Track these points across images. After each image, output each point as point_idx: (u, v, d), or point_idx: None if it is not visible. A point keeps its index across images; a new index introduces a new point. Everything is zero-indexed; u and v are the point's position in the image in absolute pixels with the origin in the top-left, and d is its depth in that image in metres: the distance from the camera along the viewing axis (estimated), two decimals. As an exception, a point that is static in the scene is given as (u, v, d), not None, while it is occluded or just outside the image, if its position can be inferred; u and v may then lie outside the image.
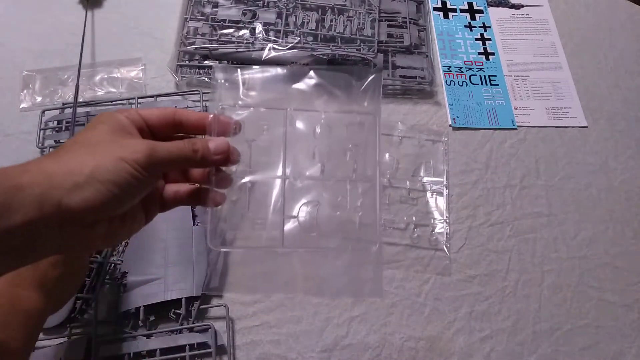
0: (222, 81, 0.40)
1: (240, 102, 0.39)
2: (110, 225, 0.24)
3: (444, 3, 0.66)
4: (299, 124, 0.41)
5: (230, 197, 0.38)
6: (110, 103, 0.54)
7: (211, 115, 0.28)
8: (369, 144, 0.42)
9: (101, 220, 0.23)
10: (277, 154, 0.39)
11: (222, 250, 0.38)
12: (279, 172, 0.39)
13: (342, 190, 0.41)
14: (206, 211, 0.39)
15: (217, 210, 0.34)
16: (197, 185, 0.30)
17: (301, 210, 0.39)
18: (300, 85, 0.43)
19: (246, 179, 0.38)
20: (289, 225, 0.39)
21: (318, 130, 0.42)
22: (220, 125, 0.29)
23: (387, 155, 0.50)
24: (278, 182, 0.39)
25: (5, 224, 0.19)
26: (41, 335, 0.40)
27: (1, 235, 0.19)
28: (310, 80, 0.44)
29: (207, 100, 0.54)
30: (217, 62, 0.55)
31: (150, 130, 0.27)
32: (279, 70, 0.43)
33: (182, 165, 0.27)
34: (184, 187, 0.30)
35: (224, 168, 0.30)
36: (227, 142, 0.28)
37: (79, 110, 0.51)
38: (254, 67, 0.42)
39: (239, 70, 0.42)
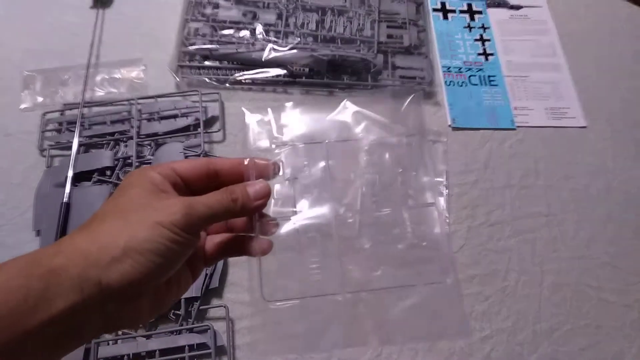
0: (254, 124, 0.37)
1: (275, 142, 0.37)
2: (156, 295, 0.22)
3: (443, 4, 0.66)
4: (341, 156, 0.39)
5: (278, 243, 0.35)
6: (110, 103, 0.54)
7: (247, 160, 0.27)
8: (419, 165, 0.40)
9: (145, 292, 0.22)
10: (323, 191, 0.36)
11: (278, 304, 0.33)
12: (327, 209, 0.35)
13: (400, 220, 0.37)
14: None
15: (266, 259, 0.30)
16: (241, 234, 0.28)
17: (358, 248, 0.35)
18: (337, 116, 0.41)
19: (293, 222, 0.34)
20: (348, 266, 0.35)
21: (363, 158, 0.39)
22: (258, 168, 0.27)
23: (386, 155, 0.49)
24: (328, 221, 0.35)
25: (45, 314, 0.18)
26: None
27: (42, 326, 0.18)
28: (345, 109, 0.41)
29: (206, 101, 0.54)
30: (218, 61, 0.56)
31: (185, 184, 0.25)
32: (312, 102, 0.42)
33: (223, 217, 0.25)
34: (227, 238, 0.27)
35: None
36: (268, 185, 0.26)
37: (77, 111, 0.51)
38: (285, 104, 0.40)
39: (269, 109, 0.38)
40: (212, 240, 0.27)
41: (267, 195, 0.25)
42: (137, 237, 0.20)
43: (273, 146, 0.36)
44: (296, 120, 0.39)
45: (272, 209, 0.32)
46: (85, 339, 0.21)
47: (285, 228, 0.33)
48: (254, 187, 0.25)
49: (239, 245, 0.27)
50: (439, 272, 0.36)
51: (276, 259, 0.33)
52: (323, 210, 0.35)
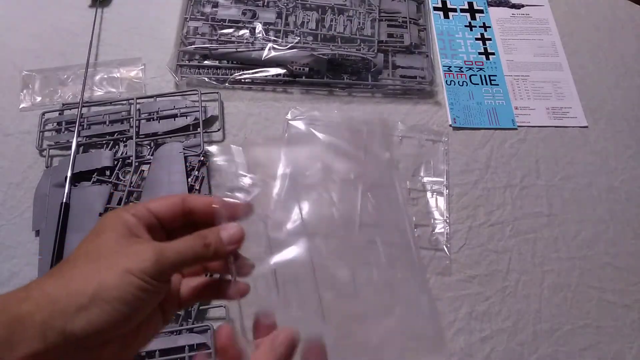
0: (223, 162, 0.37)
1: (246, 180, 0.36)
2: (124, 341, 0.22)
3: (444, 3, 0.66)
4: (311, 189, 0.37)
5: (255, 284, 0.34)
6: (109, 103, 0.54)
7: (216, 200, 0.25)
8: (389, 189, 0.39)
9: (112, 340, 0.21)
10: (295, 225, 0.35)
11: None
12: (302, 244, 0.34)
13: (374, 250, 0.37)
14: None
15: (245, 298, 0.31)
16: (216, 276, 0.27)
17: (335, 279, 0.35)
18: (303, 149, 0.39)
19: (269, 261, 0.33)
20: (326, 298, 0.34)
21: (335, 190, 0.38)
22: (229, 209, 0.25)
23: (387, 154, 0.48)
24: (303, 255, 0.34)
25: (8, 359, 0.18)
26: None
27: None
28: (311, 140, 0.40)
29: (205, 101, 0.54)
30: (217, 61, 0.55)
31: (160, 223, 0.24)
32: (282, 139, 0.41)
33: (195, 263, 0.24)
34: (203, 282, 0.26)
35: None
36: (241, 229, 0.25)
37: (76, 111, 0.51)
38: (257, 140, 0.40)
39: (239, 149, 0.39)
40: (187, 284, 0.26)
41: (241, 239, 0.24)
42: (105, 284, 0.20)
43: (244, 184, 0.35)
44: (266, 154, 0.38)
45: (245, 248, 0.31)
46: None
47: (261, 268, 0.31)
48: (227, 231, 0.24)
49: (215, 288, 0.26)
50: (414, 293, 0.36)
51: (255, 296, 0.32)
52: (297, 246, 0.34)
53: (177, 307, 0.26)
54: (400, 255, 0.37)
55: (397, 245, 0.37)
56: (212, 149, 0.39)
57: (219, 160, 0.36)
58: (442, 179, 0.51)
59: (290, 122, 0.51)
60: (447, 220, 0.49)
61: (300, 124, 0.52)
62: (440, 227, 0.48)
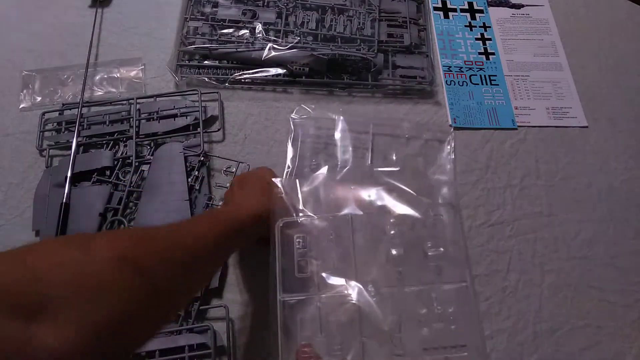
0: (282, 195, 0.39)
1: (301, 215, 0.37)
2: (258, 235, 0.40)
3: (444, 3, 0.66)
4: (368, 227, 0.37)
5: (301, 322, 0.34)
6: (109, 103, 0.54)
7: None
8: (451, 238, 0.38)
9: (258, 232, 0.39)
10: (346, 266, 0.35)
11: None
12: (351, 286, 0.34)
13: (427, 299, 0.35)
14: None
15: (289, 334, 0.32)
16: None
17: (381, 328, 0.34)
18: (363, 189, 0.39)
19: (316, 301, 0.34)
20: (370, 347, 0.33)
21: (390, 232, 0.37)
22: None
23: (393, 155, 0.47)
24: (351, 299, 0.34)
25: (237, 236, 0.36)
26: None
27: (235, 240, 0.36)
28: (373, 181, 0.40)
29: (205, 101, 0.54)
30: (217, 61, 0.55)
31: None
32: (339, 171, 0.43)
33: None
34: None
35: None
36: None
37: (76, 111, 0.51)
38: (314, 174, 0.41)
39: (297, 181, 0.39)
40: None
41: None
42: (260, 211, 0.38)
43: (299, 220, 0.38)
44: (321, 188, 0.40)
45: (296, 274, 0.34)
46: (239, 248, 0.44)
47: (309, 308, 0.33)
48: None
49: None
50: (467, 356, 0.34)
51: (300, 336, 0.32)
52: (345, 287, 0.34)
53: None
54: (455, 314, 0.35)
55: (455, 301, 0.35)
56: (277, 181, 0.41)
57: (280, 192, 0.39)
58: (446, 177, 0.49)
59: (295, 120, 0.51)
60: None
61: (311, 127, 0.51)
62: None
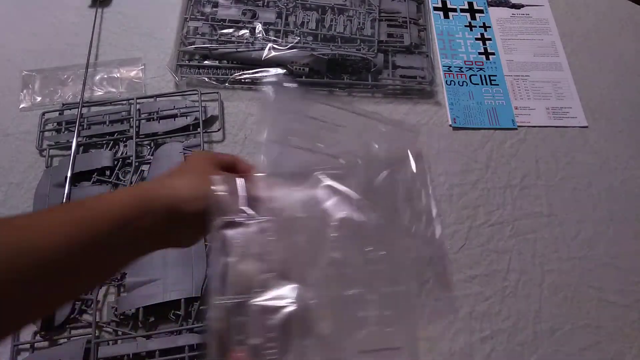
0: (222, 192, 0.37)
1: (243, 215, 0.36)
2: (195, 229, 0.31)
3: (444, 3, 0.66)
4: (309, 230, 0.37)
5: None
6: (109, 103, 0.53)
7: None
8: (392, 241, 0.38)
9: (197, 224, 0.30)
10: (286, 268, 0.35)
11: None
12: (290, 289, 0.34)
13: (366, 303, 0.35)
14: None
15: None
16: None
17: (319, 332, 0.34)
18: (305, 191, 0.39)
19: (252, 303, 0.34)
20: (307, 351, 0.33)
21: (332, 234, 0.37)
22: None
23: (375, 145, 0.45)
24: (289, 302, 0.34)
25: (147, 222, 0.27)
26: (40, 337, 0.40)
27: (144, 228, 0.27)
28: (317, 182, 0.39)
29: (205, 101, 0.54)
30: (217, 61, 0.55)
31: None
32: (283, 175, 0.40)
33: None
34: None
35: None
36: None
37: (76, 111, 0.51)
38: (255, 174, 0.39)
39: (237, 180, 0.37)
40: None
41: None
42: (209, 189, 0.30)
43: (238, 220, 0.36)
44: (264, 192, 0.37)
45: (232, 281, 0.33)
46: (157, 245, 0.30)
47: (245, 311, 0.32)
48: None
49: None
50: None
51: (234, 340, 0.32)
52: (284, 291, 0.34)
53: None
54: (394, 320, 0.35)
55: (395, 305, 0.36)
56: (216, 178, 0.40)
57: (219, 190, 0.36)
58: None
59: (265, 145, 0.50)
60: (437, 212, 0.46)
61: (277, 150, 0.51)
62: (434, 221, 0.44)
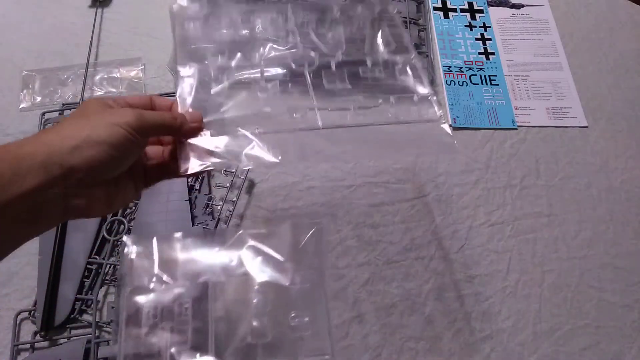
0: (133, 256, 0.33)
1: (154, 280, 0.33)
2: (107, 190, 0.26)
3: (444, 3, 0.66)
4: (229, 295, 0.35)
5: None
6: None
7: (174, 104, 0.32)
8: (316, 309, 0.36)
9: (99, 184, 0.25)
10: (202, 340, 0.33)
11: None
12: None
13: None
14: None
15: None
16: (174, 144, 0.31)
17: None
18: (229, 248, 0.36)
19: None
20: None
21: (253, 300, 0.35)
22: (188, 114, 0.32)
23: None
24: None
25: (15, 191, 0.21)
26: (40, 337, 0.40)
27: (12, 203, 0.21)
28: (240, 242, 0.37)
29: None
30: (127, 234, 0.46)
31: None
32: (202, 235, 0.38)
33: (165, 130, 0.30)
34: (163, 160, 0.31)
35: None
36: (200, 113, 0.31)
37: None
38: (175, 234, 0.36)
39: (154, 240, 0.35)
40: (151, 155, 0.31)
41: (200, 120, 0.31)
42: (96, 131, 0.24)
43: (151, 286, 0.33)
44: (182, 253, 0.35)
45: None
46: (46, 222, 0.24)
47: None
48: (190, 113, 0.31)
49: (173, 155, 0.31)
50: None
51: None
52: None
53: (143, 181, 0.30)
54: None
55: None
56: (126, 239, 0.34)
57: (131, 252, 0.32)
58: (410, 55, 0.42)
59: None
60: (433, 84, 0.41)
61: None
62: (425, 91, 0.38)
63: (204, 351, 0.32)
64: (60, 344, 0.40)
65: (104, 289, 0.43)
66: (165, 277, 0.33)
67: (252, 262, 0.36)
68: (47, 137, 0.23)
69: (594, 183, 0.53)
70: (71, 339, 0.41)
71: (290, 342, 0.35)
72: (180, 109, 0.31)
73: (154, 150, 0.31)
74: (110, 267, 0.43)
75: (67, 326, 0.41)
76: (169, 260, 0.34)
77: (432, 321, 0.45)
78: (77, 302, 0.42)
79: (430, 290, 0.46)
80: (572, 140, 0.56)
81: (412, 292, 0.46)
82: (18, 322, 0.41)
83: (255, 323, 0.34)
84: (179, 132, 0.30)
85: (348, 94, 0.43)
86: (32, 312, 0.41)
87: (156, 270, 0.33)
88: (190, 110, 0.31)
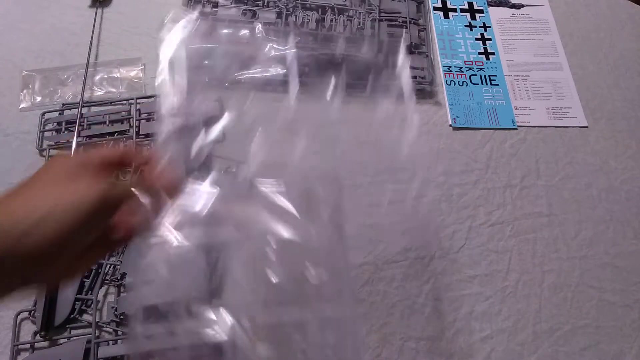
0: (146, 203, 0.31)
1: (165, 232, 0.32)
2: (70, 262, 0.24)
3: (444, 3, 0.66)
4: (244, 254, 0.34)
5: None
6: (109, 103, 0.53)
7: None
8: (334, 264, 0.35)
9: (61, 256, 0.23)
10: (218, 295, 0.33)
11: None
12: (222, 318, 0.31)
13: (306, 330, 0.33)
14: None
15: None
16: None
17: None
18: (242, 204, 0.35)
19: (179, 333, 0.31)
20: None
21: (272, 258, 0.33)
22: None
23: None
24: (220, 333, 0.31)
25: None
26: (40, 337, 0.40)
27: None
28: (258, 196, 0.35)
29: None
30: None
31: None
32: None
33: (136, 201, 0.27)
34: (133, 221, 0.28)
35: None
36: (181, 179, 0.29)
37: (76, 111, 0.51)
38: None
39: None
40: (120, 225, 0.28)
41: (179, 188, 0.29)
42: (58, 206, 0.22)
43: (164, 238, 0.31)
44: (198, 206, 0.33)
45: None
46: (5, 290, 0.22)
47: (172, 340, 0.29)
48: (169, 183, 0.29)
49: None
50: None
51: None
52: (218, 319, 0.31)
53: (110, 245, 0.28)
54: (337, 347, 0.32)
55: (334, 331, 0.33)
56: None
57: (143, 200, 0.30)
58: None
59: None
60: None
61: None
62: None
63: (219, 307, 0.32)
64: (60, 344, 0.40)
65: (104, 289, 0.43)
66: (176, 231, 0.32)
67: (269, 218, 0.34)
68: (13, 204, 0.22)
69: (594, 183, 0.53)
70: (71, 339, 0.41)
71: (307, 299, 0.34)
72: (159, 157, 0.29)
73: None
74: (110, 267, 0.43)
75: (67, 326, 0.41)
76: (183, 214, 0.32)
77: (432, 321, 0.45)
78: (77, 302, 0.42)
79: (430, 290, 0.46)
80: (572, 140, 0.56)
81: (412, 292, 0.46)
82: (18, 322, 0.41)
83: (272, 279, 0.33)
84: (142, 161, 0.28)
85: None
86: (32, 312, 0.41)
87: (168, 221, 0.32)
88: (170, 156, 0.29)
